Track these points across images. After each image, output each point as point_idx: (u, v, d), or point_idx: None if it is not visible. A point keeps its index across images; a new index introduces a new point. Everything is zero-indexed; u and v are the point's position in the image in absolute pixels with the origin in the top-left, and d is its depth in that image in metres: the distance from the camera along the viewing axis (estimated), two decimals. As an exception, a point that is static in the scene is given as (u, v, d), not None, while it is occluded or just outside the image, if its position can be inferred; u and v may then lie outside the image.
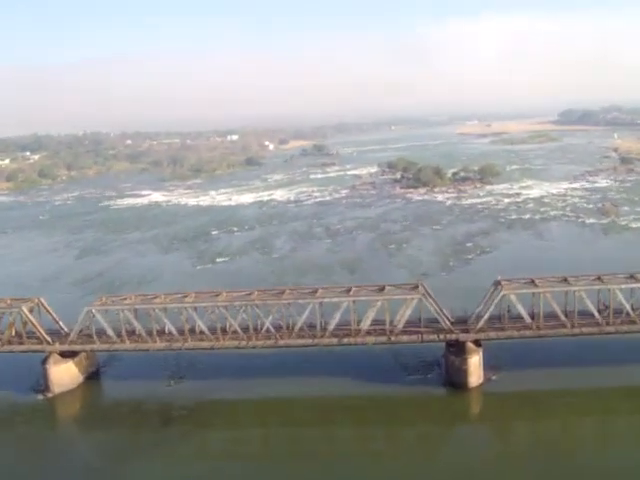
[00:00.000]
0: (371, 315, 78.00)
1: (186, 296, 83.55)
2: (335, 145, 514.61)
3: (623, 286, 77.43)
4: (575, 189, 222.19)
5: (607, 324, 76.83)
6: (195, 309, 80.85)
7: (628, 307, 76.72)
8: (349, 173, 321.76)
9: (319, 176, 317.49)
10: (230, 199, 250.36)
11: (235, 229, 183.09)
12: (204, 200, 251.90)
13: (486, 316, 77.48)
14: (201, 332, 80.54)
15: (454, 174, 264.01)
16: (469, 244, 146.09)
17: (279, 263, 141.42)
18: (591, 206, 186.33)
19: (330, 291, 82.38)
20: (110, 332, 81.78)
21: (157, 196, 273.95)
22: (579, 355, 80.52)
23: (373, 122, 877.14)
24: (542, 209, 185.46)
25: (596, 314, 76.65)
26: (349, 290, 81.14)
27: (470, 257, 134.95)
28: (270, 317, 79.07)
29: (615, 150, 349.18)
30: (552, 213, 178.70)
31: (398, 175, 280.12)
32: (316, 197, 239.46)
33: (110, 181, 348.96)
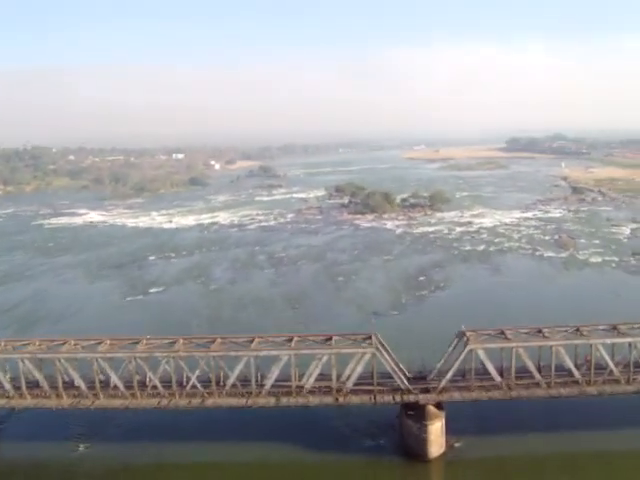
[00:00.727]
0: (315, 371, 65.73)
1: (100, 342, 69.70)
2: (282, 167, 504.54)
3: (608, 341, 66.28)
4: (528, 219, 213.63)
5: (588, 383, 65.88)
6: (109, 360, 67.47)
7: (611, 364, 65.71)
8: (295, 196, 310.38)
9: (265, 199, 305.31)
10: (171, 221, 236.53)
11: (173, 255, 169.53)
12: (143, 221, 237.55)
13: (449, 375, 65.69)
14: (115, 387, 67.21)
15: (403, 200, 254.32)
16: (422, 278, 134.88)
17: (216, 295, 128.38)
18: (547, 238, 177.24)
19: (268, 341, 69.32)
20: (7, 385, 68.15)
21: (94, 215, 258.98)
22: (554, 416, 68.98)
23: (322, 144, 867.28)
24: (496, 240, 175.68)
25: (575, 372, 65.64)
26: (290, 340, 68.29)
27: (424, 293, 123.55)
28: (197, 371, 66.25)
29: (564, 179, 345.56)
30: (507, 245, 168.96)
31: (346, 200, 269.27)
32: (260, 221, 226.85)
33: (48, 198, 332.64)
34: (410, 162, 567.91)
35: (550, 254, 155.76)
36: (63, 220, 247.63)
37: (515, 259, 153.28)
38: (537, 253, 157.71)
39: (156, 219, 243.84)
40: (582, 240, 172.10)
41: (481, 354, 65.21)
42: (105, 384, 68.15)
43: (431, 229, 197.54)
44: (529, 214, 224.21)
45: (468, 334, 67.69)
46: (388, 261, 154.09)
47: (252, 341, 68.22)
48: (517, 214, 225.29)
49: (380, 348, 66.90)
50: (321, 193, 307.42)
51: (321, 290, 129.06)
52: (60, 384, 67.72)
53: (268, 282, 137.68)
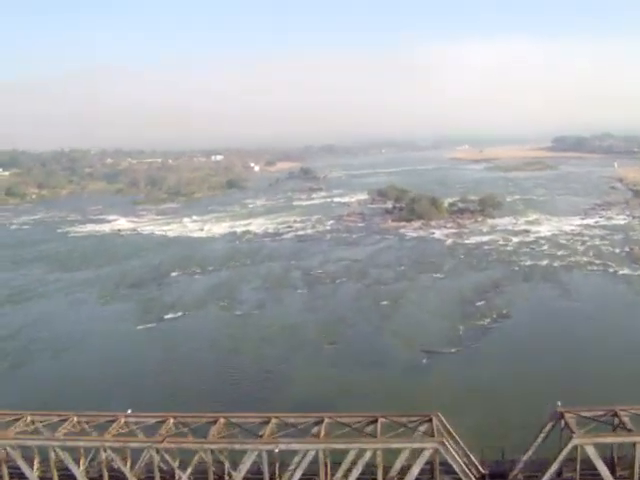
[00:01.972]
0: (354, 472, 45.54)
1: (65, 419, 50.51)
2: (323, 168, 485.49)
3: None
4: (590, 227, 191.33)
5: None
6: (69, 449, 47.91)
7: None
8: (336, 200, 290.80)
9: (304, 203, 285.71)
10: (202, 229, 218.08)
11: (198, 270, 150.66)
12: (173, 229, 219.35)
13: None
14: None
15: (451, 205, 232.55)
16: (480, 302, 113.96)
17: (240, 323, 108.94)
18: (617, 250, 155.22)
19: (288, 424, 48.89)
20: None
21: (123, 222, 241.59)
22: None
23: (363, 145, 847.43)
24: (559, 253, 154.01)
25: None
26: (319, 422, 47.85)
27: (485, 323, 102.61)
28: (190, 468, 46.65)
29: (620, 181, 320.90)
30: (573, 259, 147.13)
31: (389, 205, 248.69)
32: (297, 229, 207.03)
33: (81, 203, 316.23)
34: (454, 162, 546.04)
35: (625, 271, 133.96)
36: (90, 228, 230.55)
37: (585, 277, 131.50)
38: (609, 270, 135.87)
39: (187, 226, 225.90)
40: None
41: (590, 452, 44.29)
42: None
43: (484, 239, 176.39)
44: (590, 221, 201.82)
45: (567, 417, 46.71)
46: (439, 280, 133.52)
47: (267, 422, 48.23)
48: (576, 221, 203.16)
49: (445, 439, 46.32)
50: (363, 197, 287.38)
51: (362, 318, 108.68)
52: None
53: (302, 306, 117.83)
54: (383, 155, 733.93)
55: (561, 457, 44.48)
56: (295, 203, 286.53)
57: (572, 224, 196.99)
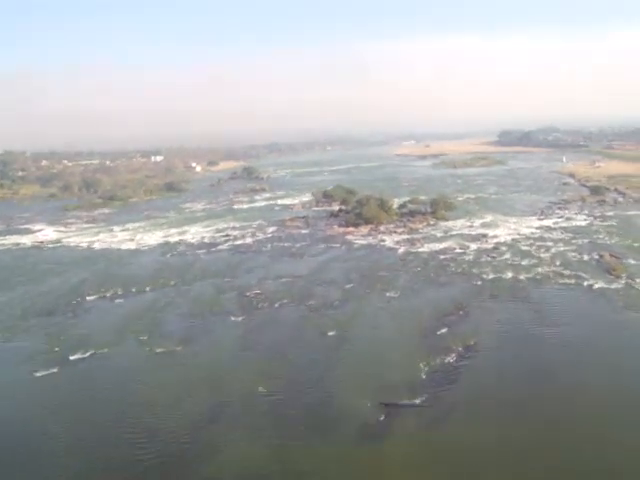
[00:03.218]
0: None
1: None
2: (267, 167, 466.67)
3: None
4: (550, 228, 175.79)
5: None
6: None
7: None
8: (280, 202, 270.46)
9: (245, 206, 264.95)
10: (133, 239, 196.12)
11: (120, 292, 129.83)
12: (101, 240, 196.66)
13: None
14: None
15: (401, 206, 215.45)
16: (443, 330, 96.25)
17: (160, 365, 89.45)
18: (585, 257, 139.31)
19: None
20: None
21: (49, 232, 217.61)
22: None
23: (308, 142, 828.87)
24: (524, 262, 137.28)
25: None
26: None
27: (451, 361, 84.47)
28: None
29: (572, 176, 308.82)
30: (540, 270, 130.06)
31: (335, 207, 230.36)
32: (236, 238, 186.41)
33: (9, 209, 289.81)
34: (400, 159, 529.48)
35: (599, 284, 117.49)
36: (11, 240, 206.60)
37: (557, 293, 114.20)
38: (583, 283, 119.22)
39: (117, 236, 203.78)
40: (630, 260, 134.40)
41: None
42: None
43: (440, 246, 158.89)
44: (549, 222, 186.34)
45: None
46: (393, 300, 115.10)
47: None
48: (534, 222, 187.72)
49: None
50: (307, 198, 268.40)
51: (306, 356, 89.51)
52: None
53: (235, 339, 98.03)
54: (328, 152, 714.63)
55: None
56: (236, 207, 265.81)
57: (531, 226, 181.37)
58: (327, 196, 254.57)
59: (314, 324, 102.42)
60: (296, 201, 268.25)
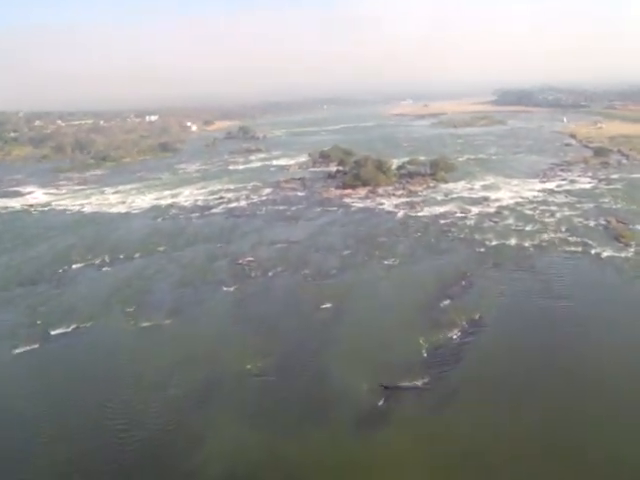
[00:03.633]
0: None
1: None
2: (264, 126, 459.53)
3: None
4: (554, 192, 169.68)
5: None
6: None
7: None
8: (275, 163, 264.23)
9: (240, 167, 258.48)
10: (124, 202, 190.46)
11: (107, 259, 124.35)
12: (92, 203, 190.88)
13: None
14: None
15: (400, 167, 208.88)
16: (445, 302, 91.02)
17: (147, 341, 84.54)
18: (592, 224, 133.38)
19: None
20: None
21: (39, 195, 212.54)
22: None
23: (304, 101, 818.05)
24: (528, 228, 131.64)
25: None
26: None
27: (454, 337, 79.20)
28: None
29: (573, 137, 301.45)
30: (545, 236, 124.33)
31: (333, 168, 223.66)
32: (230, 201, 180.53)
33: (1, 171, 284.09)
34: (398, 118, 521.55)
35: (608, 252, 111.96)
36: (1, 203, 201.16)
37: (565, 262, 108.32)
38: (590, 250, 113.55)
39: (109, 199, 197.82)
40: (638, 227, 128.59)
41: None
42: None
43: (440, 210, 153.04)
44: (552, 185, 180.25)
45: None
46: (393, 267, 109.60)
47: None
48: (537, 185, 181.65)
49: None
50: (304, 159, 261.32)
51: (300, 331, 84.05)
52: None
53: (226, 312, 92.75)
54: (325, 111, 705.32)
55: None
56: (231, 167, 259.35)
57: (533, 189, 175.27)
58: (324, 157, 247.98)
59: (309, 295, 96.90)
60: (292, 162, 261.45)
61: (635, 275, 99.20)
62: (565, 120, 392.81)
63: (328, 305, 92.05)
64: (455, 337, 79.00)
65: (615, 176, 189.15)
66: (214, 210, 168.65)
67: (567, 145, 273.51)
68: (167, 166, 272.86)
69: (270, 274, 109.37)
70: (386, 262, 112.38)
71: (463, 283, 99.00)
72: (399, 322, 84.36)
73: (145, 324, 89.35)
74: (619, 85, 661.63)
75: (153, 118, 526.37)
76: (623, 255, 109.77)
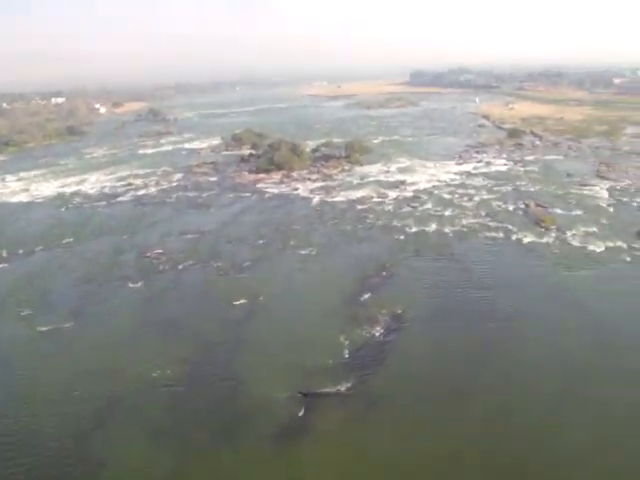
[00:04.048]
0: None
1: None
2: (175, 108, 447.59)
3: None
4: (470, 174, 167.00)
5: None
6: None
7: None
8: (187, 146, 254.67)
9: (150, 151, 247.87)
10: (27, 189, 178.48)
11: (4, 255, 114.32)
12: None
13: None
14: None
15: (314, 150, 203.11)
16: (366, 295, 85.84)
17: (43, 346, 76.43)
18: (511, 207, 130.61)
19: None
20: None
21: None
22: None
23: (216, 82, 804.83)
24: (447, 213, 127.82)
25: None
26: None
27: (376, 334, 73.93)
28: None
29: (487, 118, 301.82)
30: (465, 222, 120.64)
31: (246, 152, 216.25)
32: (139, 188, 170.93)
33: None
34: (311, 99, 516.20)
35: (529, 237, 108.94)
36: None
37: (486, 249, 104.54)
38: (511, 236, 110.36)
39: (9, 187, 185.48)
40: (557, 210, 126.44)
41: None
42: None
43: (357, 195, 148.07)
44: (468, 167, 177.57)
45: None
46: (309, 258, 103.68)
47: None
48: (453, 167, 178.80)
49: None
50: (216, 142, 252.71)
51: (211, 331, 77.37)
52: None
53: (131, 314, 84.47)
54: (237, 93, 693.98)
55: None
56: (140, 151, 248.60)
57: (450, 171, 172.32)
58: (236, 139, 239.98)
59: (222, 291, 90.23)
60: (204, 145, 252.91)
61: (556, 262, 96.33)
62: (477, 101, 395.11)
63: (242, 301, 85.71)
64: (377, 334, 73.85)
65: (530, 158, 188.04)
66: (121, 198, 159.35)
67: (481, 126, 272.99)
68: (74, 151, 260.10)
69: (180, 268, 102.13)
70: (302, 252, 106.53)
71: (384, 274, 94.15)
72: (318, 319, 78.73)
73: (43, 328, 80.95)
74: (528, 68, 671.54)
75: (60, 100, 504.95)
76: (544, 241, 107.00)
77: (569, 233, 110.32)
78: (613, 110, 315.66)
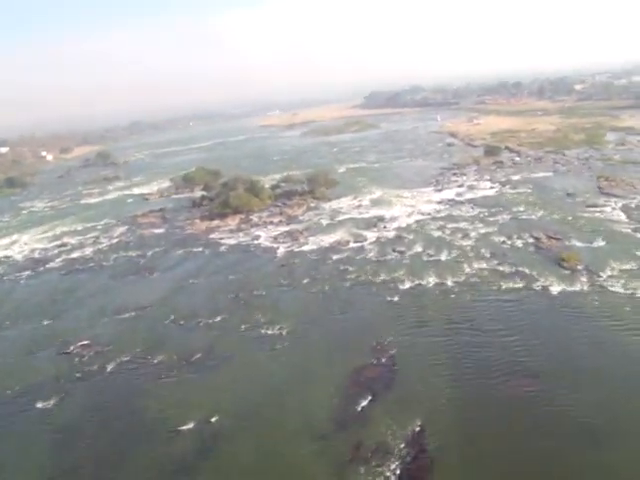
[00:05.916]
0: None
1: None
2: (127, 149, 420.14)
3: None
4: (456, 202, 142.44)
5: None
6: None
7: None
8: (135, 192, 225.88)
9: (93, 200, 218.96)
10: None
11: None
12: None
13: None
14: None
15: (274, 187, 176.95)
16: (364, 403, 59.42)
17: None
18: (518, 243, 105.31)
19: None
20: None
21: None
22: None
23: (170, 119, 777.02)
24: (443, 258, 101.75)
25: None
26: None
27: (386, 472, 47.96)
28: None
29: (453, 135, 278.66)
30: (468, 268, 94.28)
31: (198, 194, 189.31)
32: (73, 248, 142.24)
33: None
34: (267, 130, 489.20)
35: (557, 285, 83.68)
36: None
37: (510, 308, 78.31)
38: (534, 284, 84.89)
39: None
40: (575, 242, 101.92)
41: None
42: None
43: (329, 239, 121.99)
44: (450, 194, 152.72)
45: None
46: (279, 340, 76.29)
47: None
48: (433, 195, 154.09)
49: None
50: (166, 184, 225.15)
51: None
52: None
53: (36, 457, 57.46)
54: (192, 128, 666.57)
55: None
56: (83, 201, 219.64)
57: (431, 200, 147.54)
58: (188, 180, 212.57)
59: (162, 409, 62.93)
60: (154, 189, 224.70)
61: (606, 320, 70.68)
62: (439, 118, 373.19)
63: (190, 426, 58.56)
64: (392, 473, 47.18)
65: (516, 177, 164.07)
66: (51, 264, 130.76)
67: (450, 145, 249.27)
68: (11, 205, 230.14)
69: (109, 368, 74.70)
70: (270, 332, 79.56)
71: (382, 360, 67.77)
72: (299, 458, 51.83)
73: None
74: (485, 82, 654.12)
75: (3, 150, 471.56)
76: (578, 289, 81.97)
77: (603, 275, 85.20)
78: (582, 117, 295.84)
